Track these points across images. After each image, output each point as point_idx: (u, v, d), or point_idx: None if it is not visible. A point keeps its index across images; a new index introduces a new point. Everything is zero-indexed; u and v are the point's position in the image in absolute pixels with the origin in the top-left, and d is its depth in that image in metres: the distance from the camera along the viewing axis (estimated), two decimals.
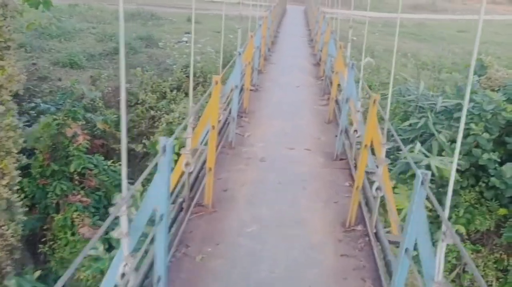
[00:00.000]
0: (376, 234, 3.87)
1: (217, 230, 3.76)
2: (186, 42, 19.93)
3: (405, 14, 31.83)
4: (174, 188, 4.11)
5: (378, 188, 3.74)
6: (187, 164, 3.83)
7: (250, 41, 6.42)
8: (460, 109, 10.24)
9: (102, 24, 21.90)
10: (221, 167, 4.86)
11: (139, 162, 12.08)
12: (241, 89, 6.94)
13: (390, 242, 3.76)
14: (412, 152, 9.26)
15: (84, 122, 11.15)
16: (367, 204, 4.15)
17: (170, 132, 10.73)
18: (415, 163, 9.11)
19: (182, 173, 3.92)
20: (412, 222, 2.31)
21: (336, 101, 6.95)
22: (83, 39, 18.89)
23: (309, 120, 6.65)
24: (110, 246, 7.71)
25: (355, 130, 5.07)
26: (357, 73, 5.14)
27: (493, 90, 10.55)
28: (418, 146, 9.25)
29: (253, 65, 8.12)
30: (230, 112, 5.49)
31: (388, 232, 4.04)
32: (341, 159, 5.35)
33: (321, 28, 10.48)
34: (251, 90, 7.82)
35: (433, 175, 8.94)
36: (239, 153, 5.33)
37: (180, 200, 4.02)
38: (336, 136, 5.94)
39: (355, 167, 5.16)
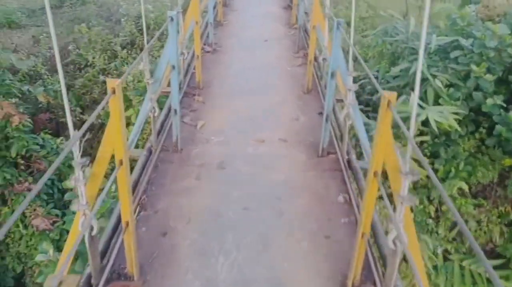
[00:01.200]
0: None
1: None
2: None
3: None
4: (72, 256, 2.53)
5: (396, 238, 2.23)
6: (87, 225, 2.27)
7: None
8: (456, 47, 8.63)
9: None
10: (159, 189, 3.28)
11: (96, 133, 10.34)
12: (193, 56, 5.19)
13: None
14: (405, 104, 7.76)
15: (20, 97, 9.27)
16: (379, 249, 2.66)
17: (126, 100, 8.95)
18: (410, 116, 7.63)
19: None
20: None
21: (315, 60, 5.26)
22: None
23: (283, 92, 4.99)
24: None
25: (347, 116, 3.49)
26: (345, 34, 3.44)
27: (492, 21, 8.88)
28: (413, 95, 7.68)
29: (208, 19, 6.25)
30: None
31: None
32: (329, 153, 3.79)
33: None
34: (207, 52, 6.03)
35: (426, 125, 7.56)
36: (188, 158, 3.72)
37: (87, 271, 2.48)
38: (320, 114, 4.35)
39: (349, 165, 3.63)
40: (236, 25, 7.29)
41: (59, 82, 10.71)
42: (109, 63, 11.10)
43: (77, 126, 8.16)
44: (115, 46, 11.20)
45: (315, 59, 5.11)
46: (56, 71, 11.50)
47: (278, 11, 8.22)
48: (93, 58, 11.05)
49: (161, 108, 3.91)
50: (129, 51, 11.04)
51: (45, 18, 14.44)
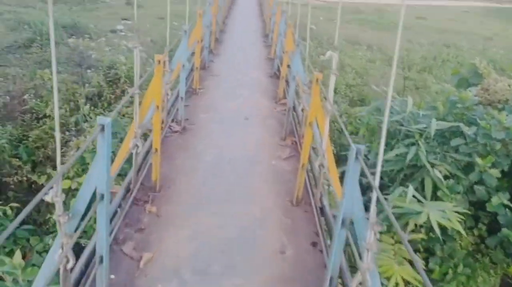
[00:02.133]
0: None
1: None
2: (121, 31, 16.34)
3: None
4: None
5: None
6: None
7: (156, 73, 3.37)
8: (456, 133, 7.72)
9: (22, 8, 17.81)
10: None
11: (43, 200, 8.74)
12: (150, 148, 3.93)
13: None
14: (401, 196, 6.64)
15: None
16: None
17: (83, 162, 7.56)
18: (409, 214, 6.53)
19: None
20: None
21: (309, 160, 4.05)
22: None
23: (265, 201, 3.74)
24: None
25: (362, 284, 2.25)
26: (364, 166, 2.25)
27: (493, 106, 8.06)
28: (410, 190, 6.56)
29: (179, 90, 5.05)
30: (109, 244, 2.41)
31: None
32: None
33: (279, 26, 7.37)
34: (174, 132, 4.80)
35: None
36: None
37: None
38: (314, 245, 3.10)
39: None
40: (214, 95, 6.09)
41: (8, 133, 9.23)
42: (71, 115, 9.76)
43: (23, 188, 6.48)
44: (79, 97, 9.90)
45: (309, 159, 3.91)
46: (9, 120, 10.01)
47: (264, 80, 7.10)
48: (52, 109, 9.69)
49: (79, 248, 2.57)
50: (94, 106, 9.74)
51: (12, 57, 13.10)
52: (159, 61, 3.32)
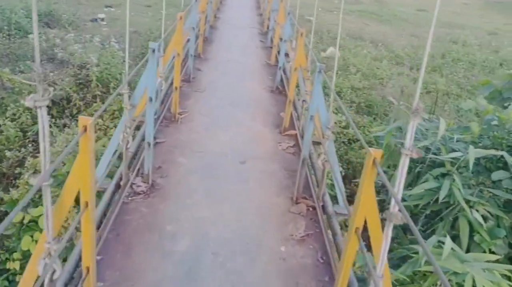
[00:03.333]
0: None
1: None
2: (102, 20, 14.45)
3: None
4: None
5: None
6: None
7: (81, 152, 1.76)
8: (494, 161, 6.26)
9: None
10: None
11: None
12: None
13: None
14: (438, 247, 5.15)
15: None
16: None
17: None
18: (444, 272, 5.03)
19: None
20: None
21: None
22: None
23: None
24: None
25: None
26: None
27: None
28: (448, 242, 5.02)
29: (145, 134, 3.36)
30: None
31: None
32: None
33: (282, 29, 5.64)
34: (137, 194, 3.17)
35: None
36: None
37: None
38: None
39: None
40: (200, 123, 4.38)
41: None
42: (34, 124, 8.03)
43: None
44: None
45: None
46: None
47: (264, 97, 5.38)
48: (13, 114, 7.98)
49: None
50: (62, 112, 8.02)
51: None
52: (85, 128, 1.69)
